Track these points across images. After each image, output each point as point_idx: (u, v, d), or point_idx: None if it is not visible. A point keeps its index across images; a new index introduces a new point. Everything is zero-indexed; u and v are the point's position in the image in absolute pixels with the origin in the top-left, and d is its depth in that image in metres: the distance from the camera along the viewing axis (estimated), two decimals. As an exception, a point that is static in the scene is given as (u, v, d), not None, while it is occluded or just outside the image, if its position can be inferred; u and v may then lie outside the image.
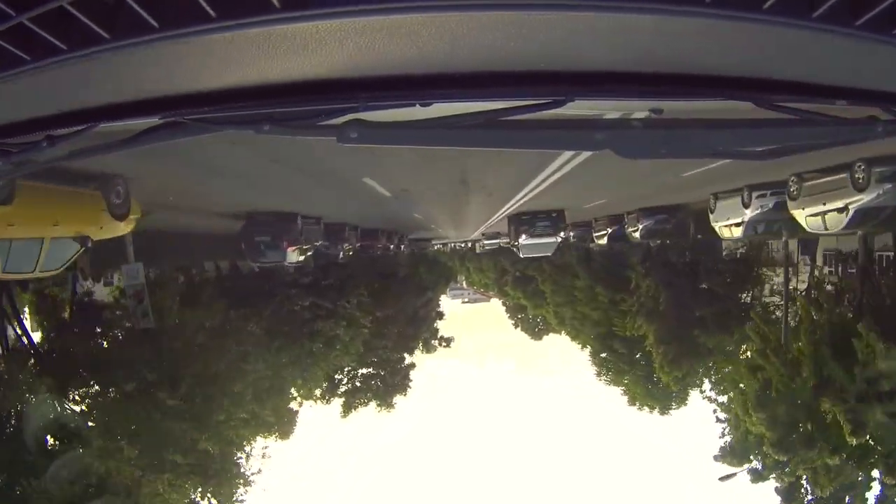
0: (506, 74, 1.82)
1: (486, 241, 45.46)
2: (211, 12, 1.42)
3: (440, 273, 62.71)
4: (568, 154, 11.23)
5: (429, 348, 46.64)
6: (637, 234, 27.83)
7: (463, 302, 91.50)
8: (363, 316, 33.40)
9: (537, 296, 53.04)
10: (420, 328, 45.99)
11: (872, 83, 1.97)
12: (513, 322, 65.43)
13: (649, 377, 34.55)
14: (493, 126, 1.80)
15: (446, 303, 69.32)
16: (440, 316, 52.10)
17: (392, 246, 40.12)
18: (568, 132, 1.94)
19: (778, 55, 1.81)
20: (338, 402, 37.68)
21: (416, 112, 1.79)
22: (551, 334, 58.03)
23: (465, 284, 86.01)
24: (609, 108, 2.38)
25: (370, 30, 1.58)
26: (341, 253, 28.12)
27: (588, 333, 41.98)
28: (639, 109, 2.13)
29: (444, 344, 47.92)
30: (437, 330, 49.07)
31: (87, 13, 1.45)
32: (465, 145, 1.89)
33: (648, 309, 31.25)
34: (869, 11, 1.54)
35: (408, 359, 42.19)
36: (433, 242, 61.21)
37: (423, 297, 48.15)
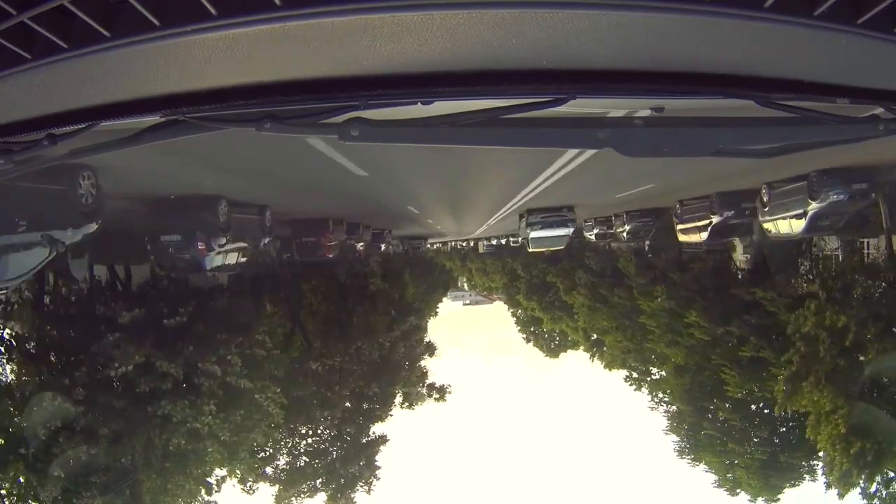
0: (508, 72, 1.82)
1: (535, 234, 24.56)
2: (212, 10, 1.42)
3: (435, 281, 51.56)
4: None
5: (411, 401, 31.27)
6: (798, 222, 13.92)
7: (464, 304, 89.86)
8: (262, 387, 17.73)
9: (556, 307, 42.34)
10: (392, 381, 29.48)
11: (874, 81, 1.97)
12: (524, 336, 52.33)
13: (774, 461, 21.08)
14: (495, 124, 1.81)
15: (446, 305, 58.97)
16: (430, 351, 34.19)
17: (361, 245, 27.15)
18: (570, 130, 1.94)
19: (779, 53, 1.82)
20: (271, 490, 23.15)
21: (418, 110, 1.79)
22: (570, 351, 45.19)
23: (466, 286, 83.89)
24: (611, 107, 2.38)
25: (372, 27, 1.58)
26: (213, 255, 13.96)
27: (660, 379, 27.59)
28: (641, 108, 2.14)
29: (435, 395, 32.18)
30: (424, 374, 32.53)
31: (88, 11, 1.45)
32: (468, 143, 1.90)
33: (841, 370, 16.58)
34: (870, 10, 1.54)
35: (373, 430, 26.55)
36: (429, 241, 53.95)
37: (403, 325, 31.43)
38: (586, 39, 1.71)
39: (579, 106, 1.86)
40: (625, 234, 26.14)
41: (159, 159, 10.20)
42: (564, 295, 39.01)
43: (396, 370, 30.19)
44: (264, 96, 1.79)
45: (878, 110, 1.98)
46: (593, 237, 32.44)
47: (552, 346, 48.64)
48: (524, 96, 1.79)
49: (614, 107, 2.40)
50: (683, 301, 23.69)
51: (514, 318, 53.69)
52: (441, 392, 32.44)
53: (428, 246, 55.17)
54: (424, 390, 32.07)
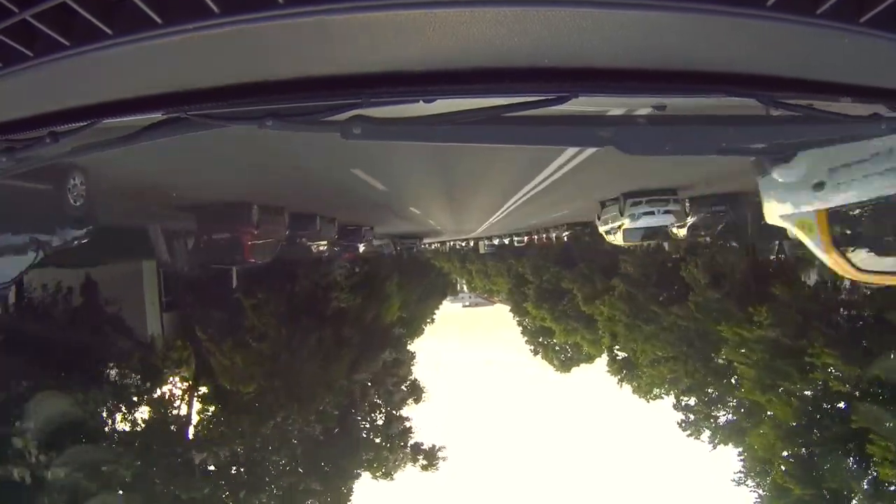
0: (510, 70, 1.82)
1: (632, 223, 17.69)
2: (214, 8, 1.42)
3: (431, 286, 45.45)
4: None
5: (389, 470, 22.37)
6: None
7: (464, 306, 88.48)
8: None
9: (571, 317, 36.60)
10: (347, 465, 19.64)
11: (876, 80, 1.98)
12: (531, 348, 45.33)
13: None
14: (497, 122, 1.81)
15: (444, 308, 54.62)
16: (416, 395, 25.05)
17: (321, 245, 19.93)
18: (572, 129, 1.95)
19: (782, 52, 1.82)
20: None
21: (420, 108, 1.79)
22: (584, 365, 40.16)
23: (465, 289, 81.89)
24: (613, 105, 2.39)
25: (374, 25, 1.58)
26: None
27: (742, 433, 19.79)
28: (642, 106, 2.15)
29: (422, 461, 23.50)
30: (407, 430, 23.19)
31: (90, 8, 1.46)
32: (470, 141, 1.91)
33: None
34: (873, 8, 1.54)
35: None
36: (425, 241, 48.09)
37: (373, 365, 22.35)
38: (589, 37, 1.71)
39: (582, 104, 1.86)
40: (685, 230, 18.92)
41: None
42: (583, 305, 32.70)
43: (359, 441, 19.99)
44: (267, 94, 1.79)
45: (881, 108, 1.99)
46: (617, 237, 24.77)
47: (563, 359, 42.52)
48: (526, 94, 1.79)
49: (617, 105, 2.41)
50: (793, 329, 15.48)
51: (521, 328, 47.01)
52: (431, 457, 23.09)
53: (424, 246, 50.69)
54: (408, 452, 22.58)
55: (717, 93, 1.86)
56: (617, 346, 31.10)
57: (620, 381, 31.01)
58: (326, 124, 1.76)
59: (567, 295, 36.01)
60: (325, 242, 19.77)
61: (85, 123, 1.85)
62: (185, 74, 1.83)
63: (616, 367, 31.60)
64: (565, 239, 35.45)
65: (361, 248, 25.66)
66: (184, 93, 1.83)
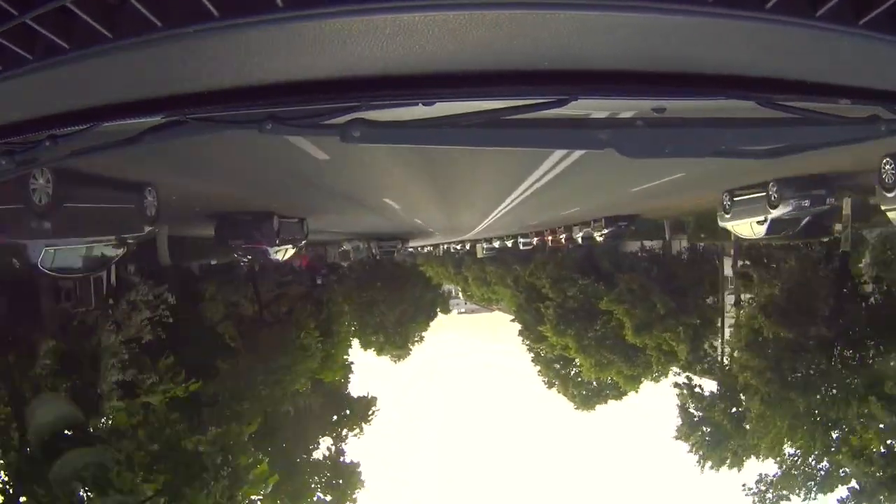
0: (509, 73, 1.82)
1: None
2: (214, 11, 1.42)
3: (418, 304, 36.42)
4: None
5: None
6: None
7: (459, 313, 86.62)
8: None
9: (607, 347, 27.42)
10: None
11: (875, 82, 1.98)
12: (545, 380, 35.44)
13: None
14: (496, 125, 1.81)
15: (440, 315, 45.69)
16: None
17: (98, 253, 9.91)
18: (571, 131, 1.95)
19: (780, 54, 1.82)
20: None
21: (420, 111, 1.79)
22: (612, 402, 31.78)
23: (461, 296, 79.50)
24: (612, 108, 2.39)
25: (373, 28, 1.58)
26: None
27: None
28: (642, 108, 2.15)
29: None
30: None
31: (90, 12, 1.46)
32: (469, 144, 1.90)
33: None
34: (872, 10, 1.55)
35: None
36: (410, 243, 40.42)
37: None
38: (588, 40, 1.72)
39: (581, 107, 1.86)
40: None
41: None
42: (634, 335, 24.79)
43: None
44: (266, 97, 1.79)
45: (879, 111, 1.99)
46: (763, 229, 14.74)
47: (585, 395, 32.84)
48: (526, 97, 1.80)
49: (615, 108, 2.41)
50: None
51: (532, 355, 35.94)
52: None
53: (410, 249, 41.87)
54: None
55: (716, 95, 1.87)
56: (693, 405, 20.91)
57: (702, 460, 20.24)
58: (326, 127, 1.77)
59: (600, 316, 26.99)
60: (130, 237, 10.44)
61: (85, 126, 1.85)
62: (184, 77, 1.83)
63: (698, 438, 20.03)
64: (600, 240, 27.18)
65: (273, 252, 15.95)
66: (184, 96, 1.83)
